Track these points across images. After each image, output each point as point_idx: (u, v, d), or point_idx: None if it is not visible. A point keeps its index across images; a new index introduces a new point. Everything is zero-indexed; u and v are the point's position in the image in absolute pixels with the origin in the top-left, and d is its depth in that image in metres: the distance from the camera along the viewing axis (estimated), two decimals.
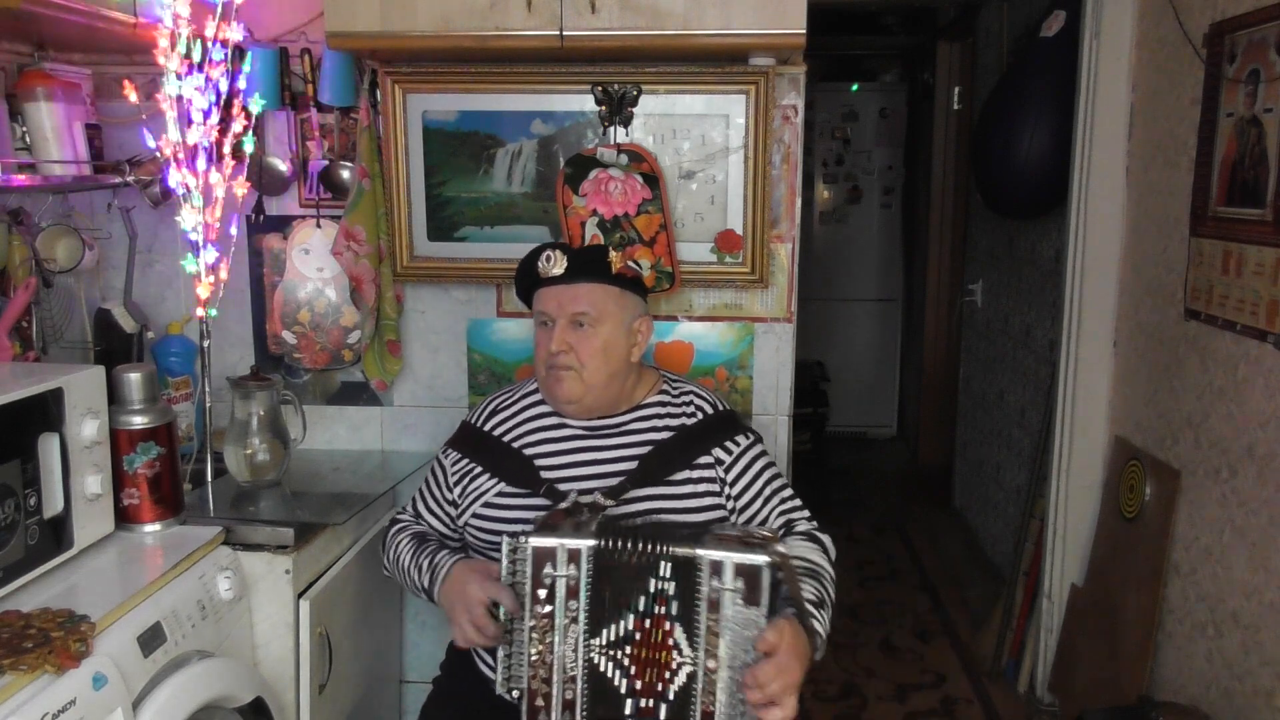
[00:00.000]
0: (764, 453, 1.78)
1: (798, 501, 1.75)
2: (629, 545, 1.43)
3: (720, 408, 1.79)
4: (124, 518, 1.74)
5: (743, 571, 1.36)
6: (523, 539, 1.45)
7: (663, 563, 1.41)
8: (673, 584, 1.41)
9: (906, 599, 3.71)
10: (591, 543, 1.42)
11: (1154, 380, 2.41)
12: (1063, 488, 2.76)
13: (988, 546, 3.95)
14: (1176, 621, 2.28)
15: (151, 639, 1.48)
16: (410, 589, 1.74)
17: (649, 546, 1.42)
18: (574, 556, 1.42)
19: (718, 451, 1.73)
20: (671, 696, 1.43)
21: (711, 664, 1.38)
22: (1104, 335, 2.64)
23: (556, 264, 1.68)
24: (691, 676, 1.42)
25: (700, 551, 1.38)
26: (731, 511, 1.71)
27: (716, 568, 1.36)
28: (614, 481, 1.67)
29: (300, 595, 1.82)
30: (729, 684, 1.39)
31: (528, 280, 1.74)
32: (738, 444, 1.74)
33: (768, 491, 1.73)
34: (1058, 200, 2.87)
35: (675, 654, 1.42)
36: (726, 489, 1.71)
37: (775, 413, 2.27)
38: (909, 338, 5.72)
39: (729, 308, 2.25)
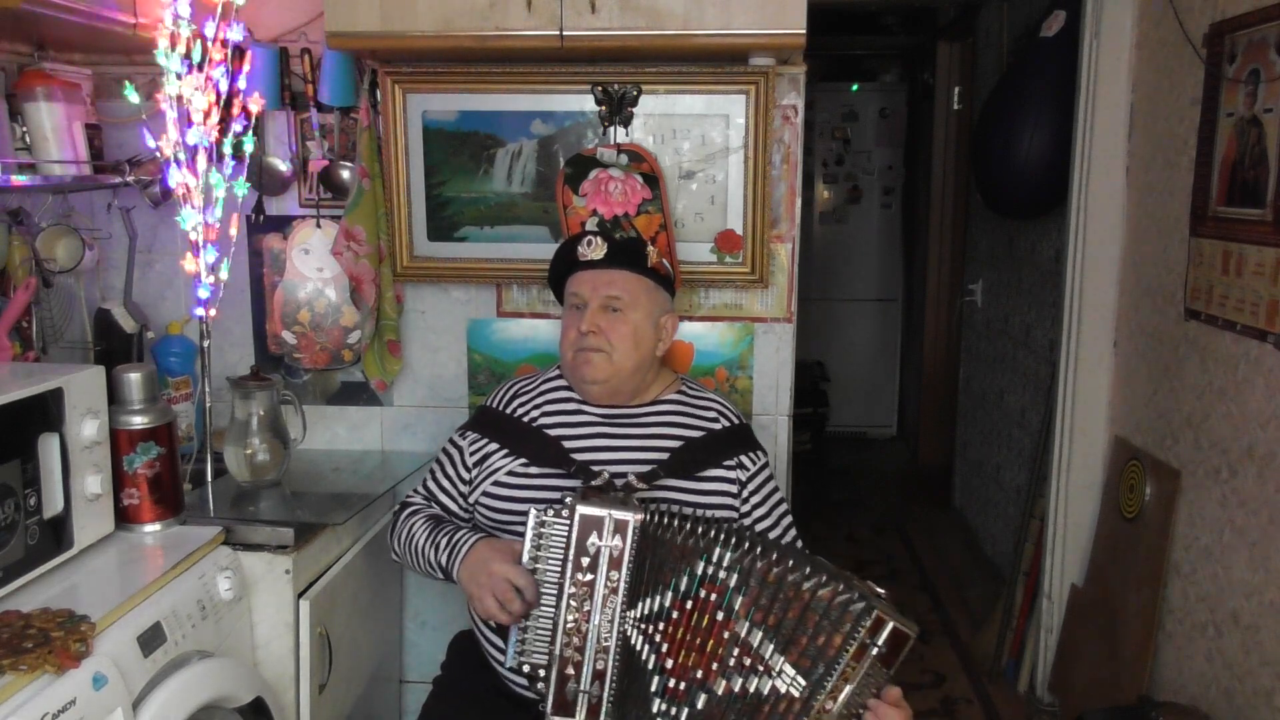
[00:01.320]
0: (773, 476, 1.84)
1: (794, 530, 1.82)
2: (676, 524, 1.44)
3: (740, 420, 1.85)
4: (124, 518, 1.74)
5: (895, 636, 1.35)
6: (550, 512, 1.47)
7: (718, 549, 1.42)
8: (732, 575, 1.41)
9: (906, 599, 3.71)
10: (640, 515, 1.44)
11: (1154, 380, 2.41)
12: (1063, 488, 2.76)
13: (988, 546, 3.95)
14: (1176, 621, 2.28)
15: (151, 639, 1.48)
16: (422, 569, 1.73)
17: (800, 566, 1.39)
18: (620, 528, 1.44)
19: (741, 458, 1.77)
20: (721, 691, 1.41)
21: (830, 705, 1.36)
22: (1104, 335, 2.64)
23: (597, 249, 1.73)
24: (786, 699, 1.38)
25: (866, 602, 1.35)
26: (742, 517, 1.75)
27: (878, 625, 1.34)
28: (628, 469, 1.69)
29: (300, 595, 1.82)
30: None
31: (564, 265, 1.79)
32: (755, 459, 1.80)
33: (783, 522, 1.80)
34: (1058, 200, 2.86)
35: (737, 649, 1.40)
36: (744, 493, 1.76)
37: (775, 413, 2.27)
38: (909, 338, 5.72)
39: (729, 308, 2.25)
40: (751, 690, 1.40)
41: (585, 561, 1.44)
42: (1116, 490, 2.56)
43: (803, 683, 1.37)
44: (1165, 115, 2.37)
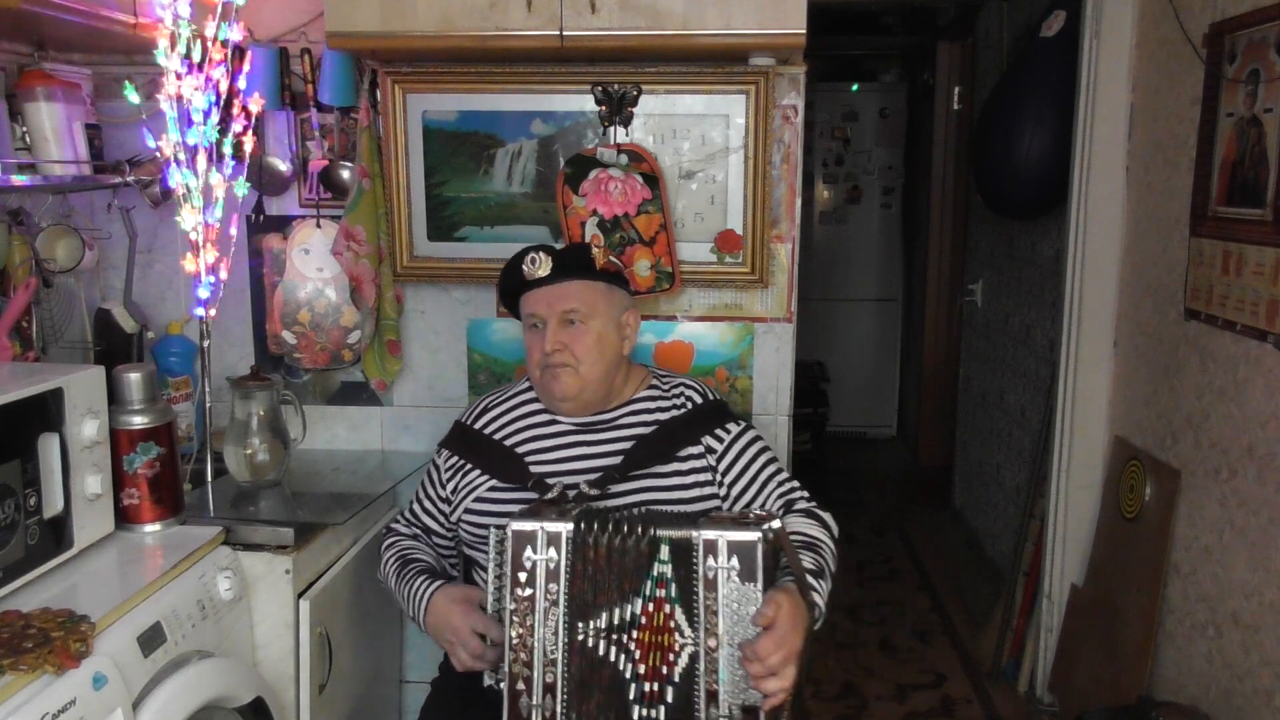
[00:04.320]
0: (758, 438, 1.79)
1: (795, 483, 1.76)
2: (611, 529, 1.43)
3: (710, 397, 1.80)
4: (124, 518, 1.74)
5: (736, 548, 1.37)
6: (507, 527, 1.47)
7: (663, 546, 1.42)
8: (669, 566, 1.42)
9: (906, 599, 3.71)
10: (570, 526, 1.44)
11: (1154, 380, 2.41)
12: (1063, 488, 2.76)
13: (988, 546, 3.95)
14: (1176, 621, 2.28)
15: (151, 639, 1.48)
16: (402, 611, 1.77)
17: (637, 529, 1.43)
18: (553, 540, 1.43)
19: (709, 440, 1.74)
20: (677, 679, 1.42)
21: (712, 642, 1.39)
22: (1104, 335, 2.65)
23: (542, 265, 1.70)
24: (694, 657, 1.41)
25: (695, 533, 1.39)
26: (726, 499, 1.72)
27: (711, 547, 1.38)
28: None
29: (300, 595, 1.82)
30: (730, 660, 1.39)
31: (512, 285, 1.76)
32: (728, 431, 1.75)
33: (763, 476, 1.74)
34: (1058, 200, 2.87)
35: (677, 636, 1.42)
36: (719, 477, 1.72)
37: (775, 413, 2.27)
38: (909, 338, 5.72)
39: (729, 308, 2.25)
40: (685, 666, 1.42)
41: (523, 576, 1.44)
42: (1116, 490, 2.56)
43: (691, 633, 1.40)
44: (1165, 115, 2.37)
